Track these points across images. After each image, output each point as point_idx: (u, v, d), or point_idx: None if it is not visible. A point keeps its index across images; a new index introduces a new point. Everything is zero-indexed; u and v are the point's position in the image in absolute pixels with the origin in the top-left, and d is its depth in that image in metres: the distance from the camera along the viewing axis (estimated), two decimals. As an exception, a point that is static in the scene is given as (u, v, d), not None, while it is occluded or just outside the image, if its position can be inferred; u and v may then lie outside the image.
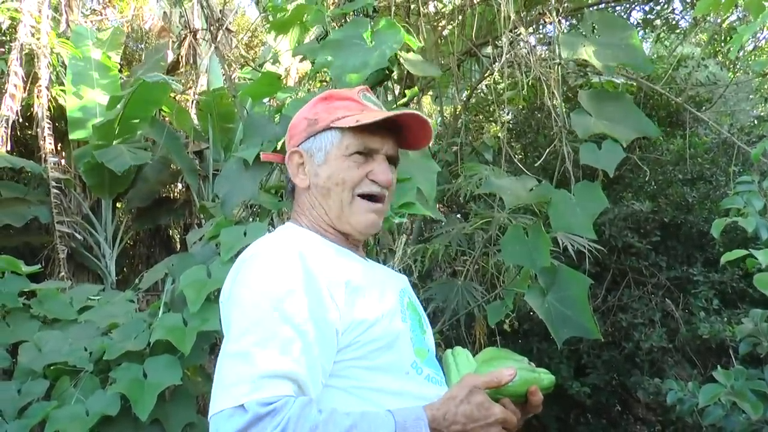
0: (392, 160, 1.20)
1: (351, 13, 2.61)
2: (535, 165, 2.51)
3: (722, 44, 4.83)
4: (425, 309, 1.33)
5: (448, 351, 1.19)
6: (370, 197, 1.16)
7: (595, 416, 4.39)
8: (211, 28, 3.91)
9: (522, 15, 2.75)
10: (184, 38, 5.65)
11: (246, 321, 0.96)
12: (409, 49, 2.49)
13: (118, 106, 4.70)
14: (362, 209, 1.15)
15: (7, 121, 4.74)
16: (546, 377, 1.08)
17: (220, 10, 4.33)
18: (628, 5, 4.27)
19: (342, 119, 1.14)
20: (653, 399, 3.95)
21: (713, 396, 2.06)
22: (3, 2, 5.18)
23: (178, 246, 6.20)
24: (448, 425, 0.94)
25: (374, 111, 1.19)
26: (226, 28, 4.67)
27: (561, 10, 2.68)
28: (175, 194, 6.18)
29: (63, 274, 4.73)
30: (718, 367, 2.32)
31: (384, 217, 1.22)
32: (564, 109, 2.40)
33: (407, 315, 1.13)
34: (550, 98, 2.36)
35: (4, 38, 5.38)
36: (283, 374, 0.90)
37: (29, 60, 5.07)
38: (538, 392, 1.06)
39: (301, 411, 0.87)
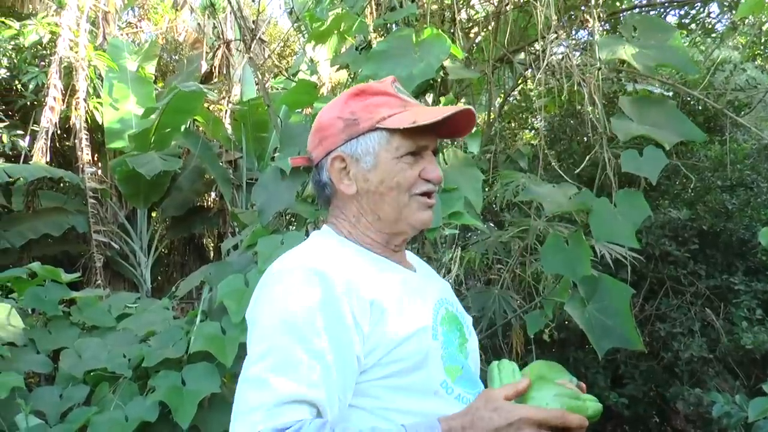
0: (435, 153, 1.15)
1: (393, 24, 2.60)
2: (575, 172, 2.45)
3: (762, 47, 4.72)
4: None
5: (494, 363, 1.09)
6: (424, 194, 1.12)
7: (632, 428, 4.30)
8: (245, 38, 3.95)
9: (558, 20, 2.71)
10: (218, 49, 5.74)
11: (263, 344, 0.95)
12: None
13: (153, 116, 4.78)
14: (420, 207, 1.11)
15: (46, 132, 4.87)
16: (592, 405, 1.01)
17: (254, 21, 4.37)
18: (662, 9, 4.20)
19: (389, 119, 1.08)
20: (693, 410, 3.86)
21: (764, 410, 2.00)
22: (43, 17, 5.32)
23: (212, 254, 6.29)
24: None
25: (416, 106, 1.14)
26: (260, 39, 4.72)
27: (597, 14, 2.64)
28: (209, 203, 6.27)
29: (99, 282, 4.83)
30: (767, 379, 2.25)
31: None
32: (603, 115, 2.35)
33: (439, 331, 1.07)
34: (589, 104, 2.32)
35: (44, 52, 5.52)
36: (299, 399, 0.88)
37: (68, 73, 5.21)
38: (583, 426, 0.97)
39: None
